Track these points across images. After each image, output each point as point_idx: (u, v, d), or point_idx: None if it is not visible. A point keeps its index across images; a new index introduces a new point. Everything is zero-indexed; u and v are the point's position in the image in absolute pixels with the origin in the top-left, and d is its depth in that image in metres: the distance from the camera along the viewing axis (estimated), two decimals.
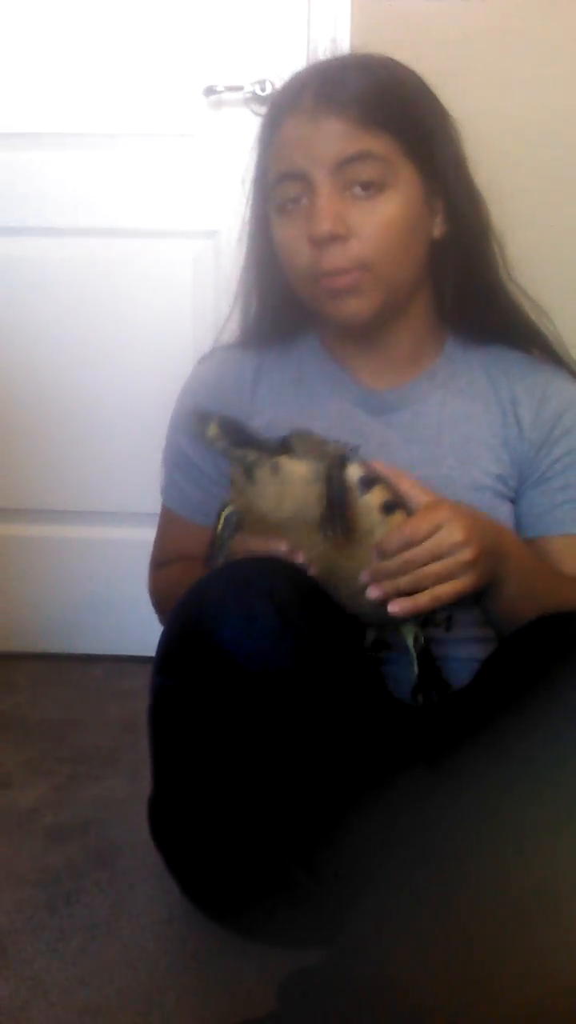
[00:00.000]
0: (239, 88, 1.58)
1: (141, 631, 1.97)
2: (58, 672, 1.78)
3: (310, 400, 1.05)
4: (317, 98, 0.93)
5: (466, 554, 0.82)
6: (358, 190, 0.93)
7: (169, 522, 1.14)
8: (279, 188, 0.97)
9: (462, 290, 1.02)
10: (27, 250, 1.70)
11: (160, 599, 1.11)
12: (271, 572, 0.82)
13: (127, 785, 1.43)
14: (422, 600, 0.83)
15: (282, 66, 1.58)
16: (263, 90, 1.57)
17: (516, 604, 0.92)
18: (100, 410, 1.74)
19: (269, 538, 0.85)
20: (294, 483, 0.84)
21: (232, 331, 1.14)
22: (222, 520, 0.87)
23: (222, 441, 0.86)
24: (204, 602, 0.82)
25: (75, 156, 1.65)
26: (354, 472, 0.84)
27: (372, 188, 0.93)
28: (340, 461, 0.84)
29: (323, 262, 0.94)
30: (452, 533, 0.82)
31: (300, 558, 0.85)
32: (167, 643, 0.85)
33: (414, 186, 0.95)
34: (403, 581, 0.83)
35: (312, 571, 0.85)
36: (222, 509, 0.88)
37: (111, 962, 1.05)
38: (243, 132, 1.62)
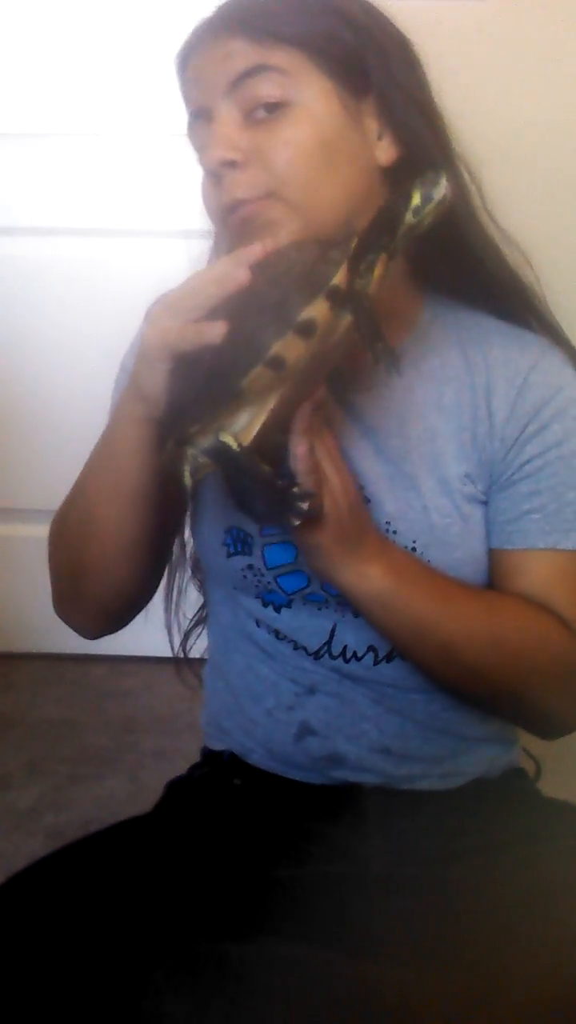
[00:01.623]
0: None
1: (141, 631, 1.96)
2: (58, 672, 1.78)
3: None
4: (212, 26, 0.85)
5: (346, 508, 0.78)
6: (261, 113, 0.81)
7: None
8: (192, 133, 0.88)
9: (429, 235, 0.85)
10: (27, 250, 1.70)
11: (51, 537, 0.98)
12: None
13: (127, 785, 1.43)
14: (302, 462, 0.76)
15: None
16: None
17: (402, 633, 0.85)
18: (100, 410, 1.74)
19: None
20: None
21: None
22: (362, 298, 0.67)
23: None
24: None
25: (75, 156, 1.65)
26: None
27: (277, 109, 0.81)
28: None
29: (223, 194, 0.82)
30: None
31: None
32: None
33: (329, 102, 0.82)
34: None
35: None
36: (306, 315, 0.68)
37: None
38: None
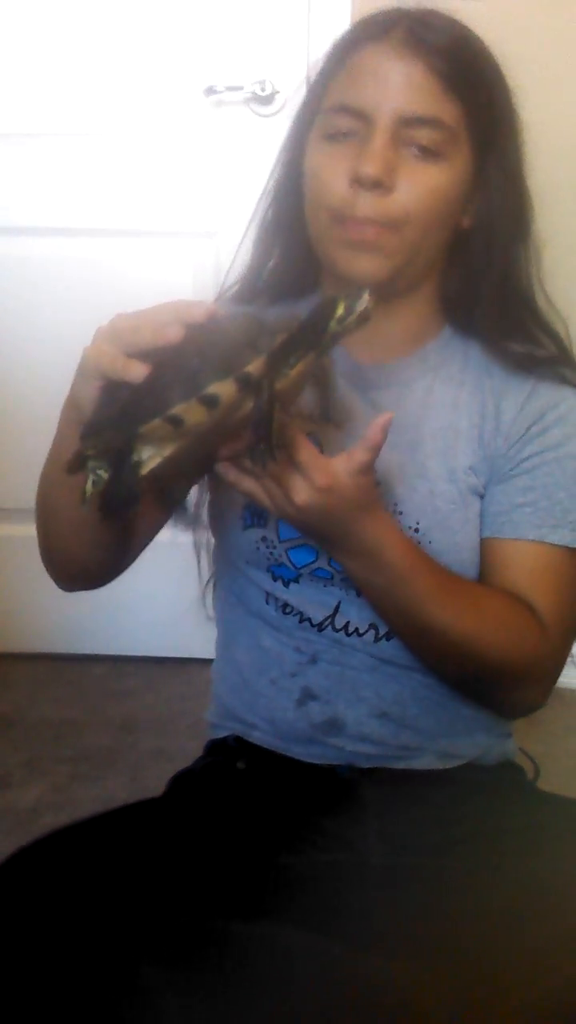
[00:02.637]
0: (239, 88, 1.58)
1: (141, 631, 1.97)
2: (58, 672, 1.78)
3: None
4: (408, 35, 0.88)
5: (290, 509, 0.80)
6: (415, 149, 0.88)
7: None
8: (333, 117, 0.90)
9: (471, 290, 0.96)
10: (27, 250, 1.70)
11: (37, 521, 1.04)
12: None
13: (127, 785, 1.43)
14: (230, 474, 0.80)
15: (282, 66, 1.60)
16: (263, 90, 1.57)
17: (380, 603, 0.89)
18: None
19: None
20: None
21: (235, 274, 1.09)
22: (266, 391, 0.74)
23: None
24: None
25: (75, 156, 1.66)
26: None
27: (429, 153, 0.88)
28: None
29: (358, 206, 0.88)
30: (299, 491, 0.79)
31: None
32: None
33: (467, 166, 0.91)
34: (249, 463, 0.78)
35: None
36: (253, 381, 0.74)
37: None
38: (243, 132, 1.63)
